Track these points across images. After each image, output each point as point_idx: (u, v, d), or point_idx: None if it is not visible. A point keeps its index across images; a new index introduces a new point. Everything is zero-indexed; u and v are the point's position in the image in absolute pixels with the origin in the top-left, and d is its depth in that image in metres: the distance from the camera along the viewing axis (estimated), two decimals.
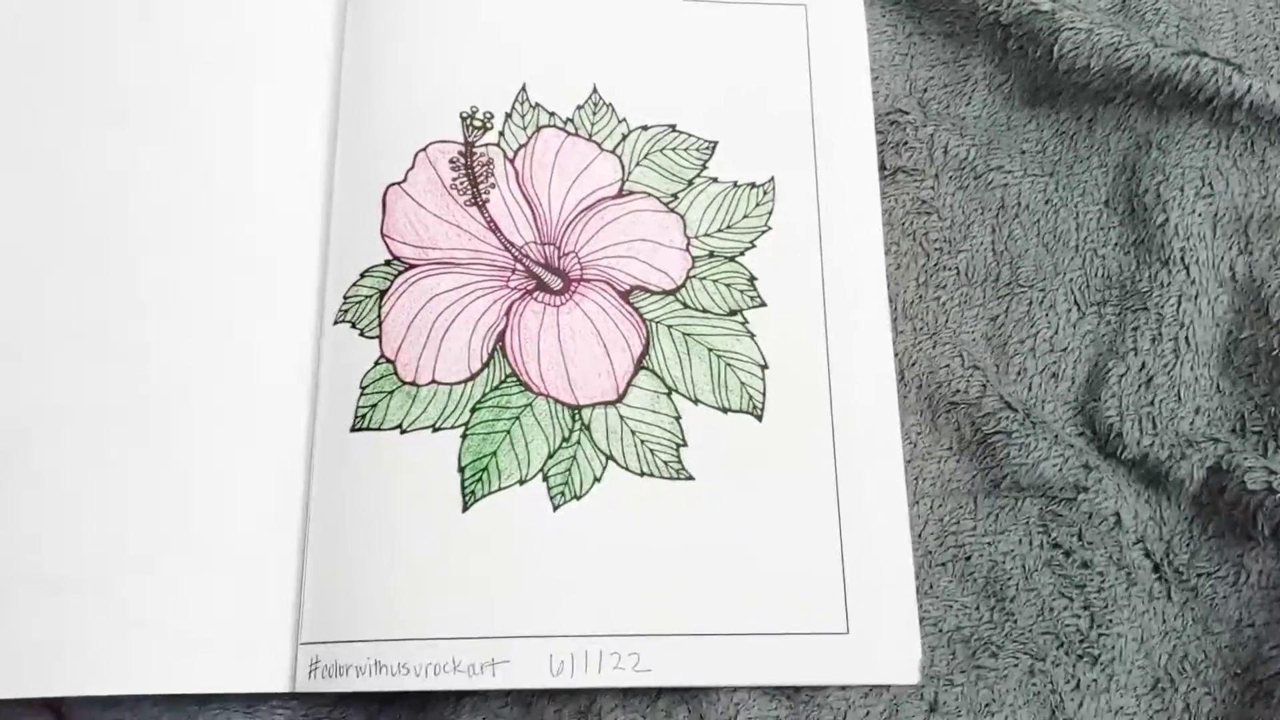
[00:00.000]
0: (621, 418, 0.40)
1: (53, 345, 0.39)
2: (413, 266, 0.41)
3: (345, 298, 0.41)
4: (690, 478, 0.40)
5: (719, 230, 0.43)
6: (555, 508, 0.39)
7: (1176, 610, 0.40)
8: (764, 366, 0.41)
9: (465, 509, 0.38)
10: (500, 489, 0.39)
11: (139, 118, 0.42)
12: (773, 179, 0.44)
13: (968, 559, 0.41)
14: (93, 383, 0.39)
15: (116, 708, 0.38)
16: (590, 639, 0.37)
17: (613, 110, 0.44)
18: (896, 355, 0.43)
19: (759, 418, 0.41)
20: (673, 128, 0.44)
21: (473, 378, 0.40)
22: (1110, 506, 0.41)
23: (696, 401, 0.41)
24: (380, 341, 0.40)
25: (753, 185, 0.44)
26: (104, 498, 0.38)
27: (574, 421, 0.40)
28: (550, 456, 0.39)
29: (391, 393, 0.39)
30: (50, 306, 0.40)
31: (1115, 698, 0.39)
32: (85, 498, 0.38)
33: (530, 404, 0.40)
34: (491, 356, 0.40)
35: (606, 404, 0.40)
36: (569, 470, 0.39)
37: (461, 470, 0.39)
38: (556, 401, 0.40)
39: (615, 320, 0.41)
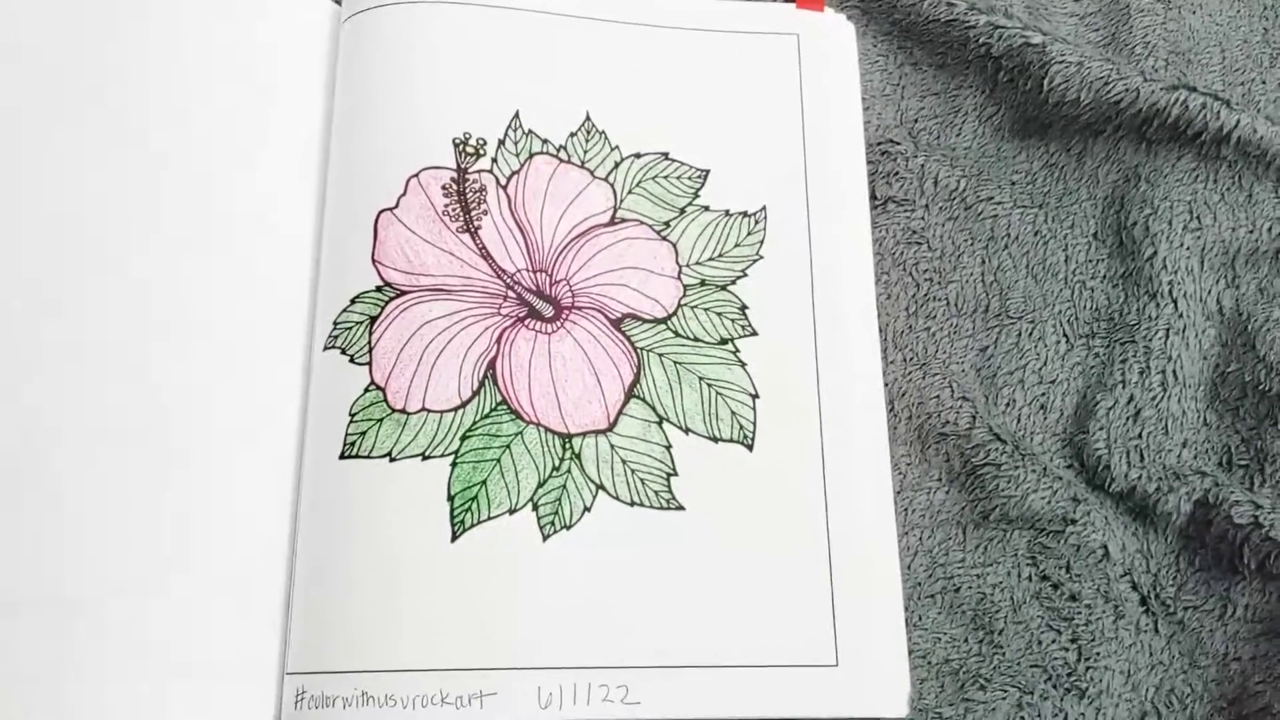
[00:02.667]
0: (612, 447, 0.40)
1: (35, 373, 0.39)
2: (404, 293, 0.41)
3: (335, 323, 0.40)
4: (680, 508, 0.40)
5: (710, 259, 0.43)
6: (545, 538, 0.39)
7: (1163, 643, 0.40)
8: (755, 396, 0.41)
9: (454, 538, 0.38)
10: (490, 518, 0.38)
11: (131, 142, 0.41)
12: (764, 208, 0.44)
13: (957, 591, 0.41)
14: (78, 409, 0.38)
15: None
16: (579, 671, 0.37)
17: (605, 138, 0.44)
18: (886, 385, 0.43)
19: (749, 447, 0.41)
20: (665, 156, 0.44)
21: (463, 406, 0.40)
22: (1098, 539, 0.41)
23: (687, 431, 0.41)
24: (370, 368, 0.40)
25: (744, 214, 0.44)
26: (87, 524, 0.37)
27: (564, 450, 0.40)
28: (540, 485, 0.39)
29: (381, 420, 0.39)
30: (36, 332, 0.39)
31: None
32: (68, 525, 0.37)
33: (520, 432, 0.40)
34: (482, 384, 0.40)
35: (597, 433, 0.40)
36: (559, 500, 0.39)
37: (451, 499, 0.39)
38: (547, 430, 0.40)
39: (606, 348, 0.41)
